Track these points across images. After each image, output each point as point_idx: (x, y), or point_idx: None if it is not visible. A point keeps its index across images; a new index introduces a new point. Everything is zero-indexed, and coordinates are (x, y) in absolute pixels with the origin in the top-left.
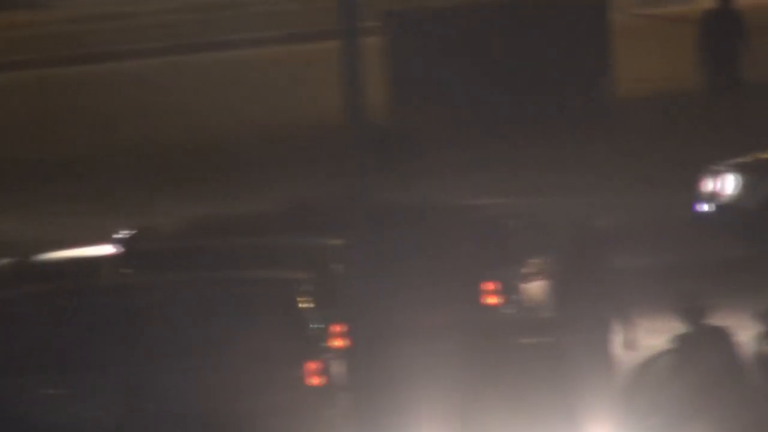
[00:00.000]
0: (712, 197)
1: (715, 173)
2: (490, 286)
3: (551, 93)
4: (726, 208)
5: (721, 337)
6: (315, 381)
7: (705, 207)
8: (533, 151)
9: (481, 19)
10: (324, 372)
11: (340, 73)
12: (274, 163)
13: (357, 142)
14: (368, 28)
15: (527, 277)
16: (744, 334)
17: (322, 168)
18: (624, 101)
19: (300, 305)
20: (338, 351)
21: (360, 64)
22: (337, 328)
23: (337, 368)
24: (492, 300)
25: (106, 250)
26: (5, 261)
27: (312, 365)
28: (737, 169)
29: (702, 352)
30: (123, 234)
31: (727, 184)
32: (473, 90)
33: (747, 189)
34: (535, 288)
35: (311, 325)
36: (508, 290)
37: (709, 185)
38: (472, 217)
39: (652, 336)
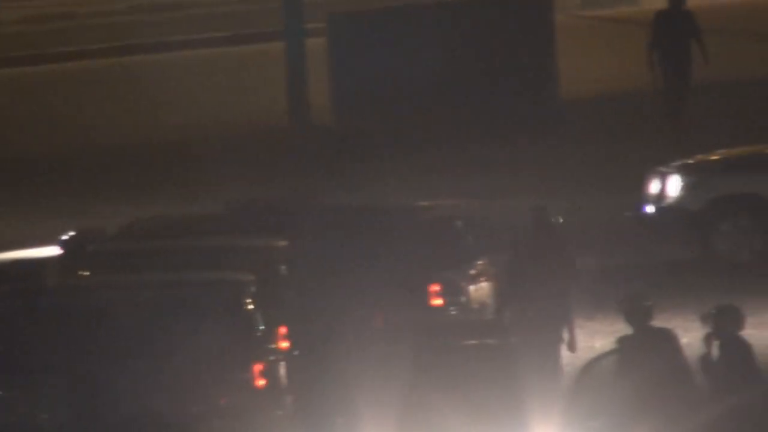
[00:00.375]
0: (657, 199)
1: (661, 175)
2: (436, 287)
3: (497, 94)
4: (671, 210)
5: (666, 339)
6: (262, 383)
7: (651, 208)
8: (479, 153)
9: (426, 21)
10: (271, 374)
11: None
12: (219, 164)
13: (301, 143)
14: (314, 30)
15: (474, 279)
16: (690, 335)
17: (267, 169)
18: (570, 102)
19: (247, 307)
20: (285, 353)
21: (304, 65)
22: (283, 330)
23: (284, 370)
24: (439, 301)
25: (51, 251)
26: None
27: (259, 367)
28: (682, 170)
29: (646, 354)
30: (68, 236)
31: (672, 186)
32: (417, 92)
33: (692, 190)
34: (482, 290)
35: (258, 327)
36: (455, 292)
37: (654, 187)
38: (418, 218)
39: (596, 337)
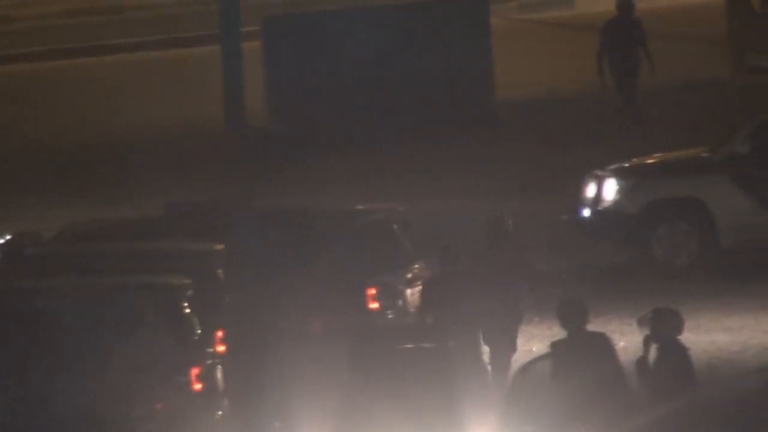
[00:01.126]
0: (594, 202)
1: (598, 178)
2: (373, 291)
3: (433, 97)
4: (608, 213)
5: (600, 343)
6: (199, 386)
7: (587, 212)
8: (415, 155)
9: (362, 24)
10: (208, 377)
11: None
12: (155, 167)
13: (237, 146)
14: (250, 33)
15: (411, 282)
16: (626, 339)
17: (203, 172)
18: (506, 105)
19: (184, 311)
20: (222, 356)
21: (240, 68)
22: (220, 334)
23: (221, 373)
24: (375, 305)
25: None
26: None
27: (196, 370)
28: (619, 173)
29: (579, 358)
30: (4, 239)
31: (608, 189)
32: (353, 94)
33: (628, 194)
34: (419, 293)
35: (195, 331)
36: (392, 295)
37: (591, 190)
38: (355, 221)
39: (534, 341)
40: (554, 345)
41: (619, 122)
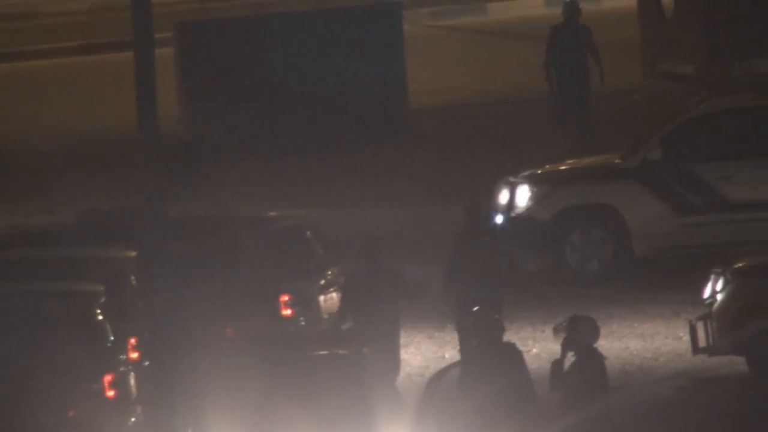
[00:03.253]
0: (507, 209)
1: (510, 185)
2: (286, 298)
3: (347, 104)
4: (521, 220)
5: (508, 353)
6: (112, 393)
7: (500, 218)
8: (329, 162)
9: (275, 31)
10: (121, 384)
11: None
12: (68, 174)
13: (150, 153)
14: (163, 40)
15: (324, 289)
16: (539, 346)
17: (116, 179)
18: (419, 112)
19: (97, 318)
20: (135, 363)
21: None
22: (133, 341)
23: (134, 380)
24: (289, 312)
25: None
26: None
27: (109, 378)
28: (531, 180)
29: (487, 367)
30: None
31: (521, 196)
32: (267, 101)
33: (541, 201)
34: (332, 300)
35: (108, 338)
36: (305, 302)
37: (504, 197)
38: (268, 228)
39: (446, 348)
40: (463, 353)
41: (563, 128)
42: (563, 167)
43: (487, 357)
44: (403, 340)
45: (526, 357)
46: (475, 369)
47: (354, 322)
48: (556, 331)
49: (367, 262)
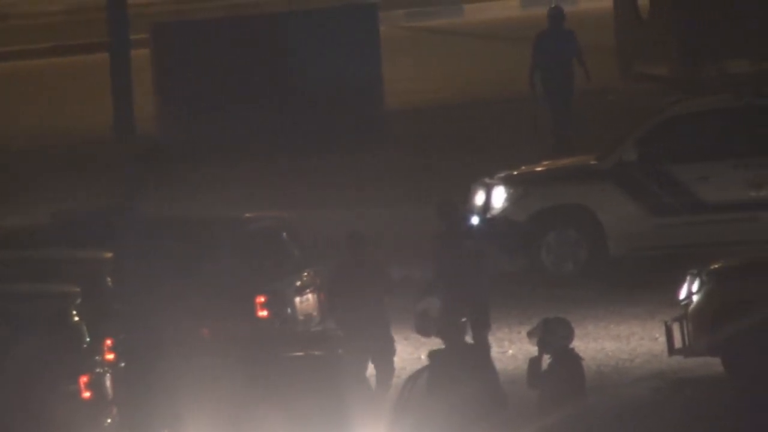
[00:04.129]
0: (483, 210)
1: (486, 186)
2: (262, 299)
3: (323, 105)
4: (496, 221)
5: (476, 355)
6: (88, 394)
7: (476, 220)
8: (305, 163)
9: (251, 32)
10: (97, 385)
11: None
12: (44, 175)
13: (126, 154)
14: (139, 41)
15: (300, 290)
16: (515, 347)
17: (92, 181)
18: (395, 113)
19: (72, 319)
20: (111, 364)
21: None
22: (109, 342)
23: (110, 381)
24: (265, 313)
25: None
26: None
27: (85, 379)
28: (507, 181)
29: (455, 370)
30: None
31: (497, 197)
32: (243, 102)
33: (516, 202)
34: (308, 301)
35: (84, 339)
36: (282, 303)
37: (480, 198)
38: (245, 230)
39: (422, 349)
40: (431, 356)
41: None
42: (539, 168)
43: (453, 360)
44: None
45: (503, 358)
46: (441, 373)
47: (341, 312)
48: (530, 335)
49: (352, 255)
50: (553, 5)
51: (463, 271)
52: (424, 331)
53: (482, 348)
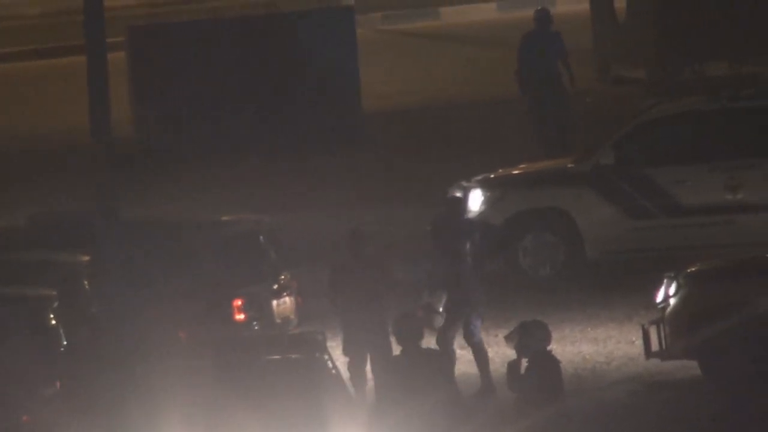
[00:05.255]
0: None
1: (463, 189)
2: (239, 302)
3: (300, 109)
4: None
5: (433, 360)
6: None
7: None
8: (282, 167)
9: (228, 35)
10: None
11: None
12: (22, 177)
13: (103, 157)
14: (115, 44)
15: (277, 294)
16: (492, 350)
17: (68, 184)
18: (372, 116)
19: (50, 322)
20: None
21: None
22: (86, 345)
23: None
24: (242, 316)
25: None
26: None
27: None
28: (484, 184)
29: (413, 375)
30: None
31: (474, 200)
32: (220, 105)
33: (494, 205)
34: (285, 304)
35: (61, 342)
36: (259, 306)
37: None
38: (222, 233)
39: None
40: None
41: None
42: (516, 171)
43: (411, 364)
44: None
45: None
46: (398, 377)
47: (342, 311)
48: (508, 339)
49: (353, 253)
50: (539, 7)
51: (462, 269)
52: (427, 324)
53: (441, 357)
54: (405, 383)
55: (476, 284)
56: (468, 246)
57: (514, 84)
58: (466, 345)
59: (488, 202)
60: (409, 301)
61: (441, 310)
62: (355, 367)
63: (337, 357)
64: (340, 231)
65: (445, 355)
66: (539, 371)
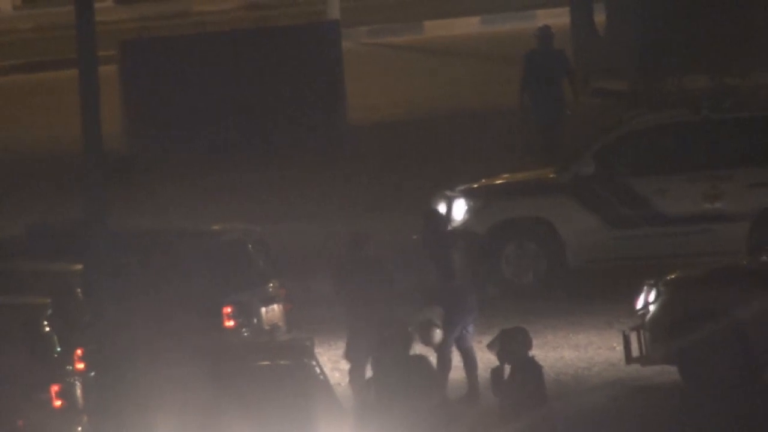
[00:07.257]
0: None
1: (447, 198)
2: (229, 309)
3: (287, 120)
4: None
5: (420, 366)
6: (59, 403)
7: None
8: (269, 178)
9: (217, 48)
10: (68, 394)
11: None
12: (16, 188)
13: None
14: (107, 58)
15: (267, 301)
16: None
17: (61, 194)
18: (357, 129)
19: (44, 329)
20: (82, 374)
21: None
22: (80, 352)
23: (81, 391)
24: (232, 323)
25: None
26: None
27: (56, 388)
28: (467, 194)
29: (398, 381)
30: None
31: (457, 209)
32: (209, 118)
33: (477, 214)
34: (274, 311)
35: (55, 349)
36: (248, 313)
37: (441, 210)
38: (212, 242)
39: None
40: (375, 366)
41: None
42: (499, 181)
43: (396, 371)
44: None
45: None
46: (384, 382)
47: (346, 313)
48: (490, 346)
49: (354, 253)
50: (541, 24)
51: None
52: (427, 340)
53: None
54: (392, 389)
55: (470, 291)
56: (456, 255)
57: (500, 96)
58: (454, 350)
59: (472, 212)
60: (401, 309)
61: (440, 323)
62: (355, 372)
63: (338, 361)
64: (324, 240)
65: (439, 361)
66: (522, 377)
